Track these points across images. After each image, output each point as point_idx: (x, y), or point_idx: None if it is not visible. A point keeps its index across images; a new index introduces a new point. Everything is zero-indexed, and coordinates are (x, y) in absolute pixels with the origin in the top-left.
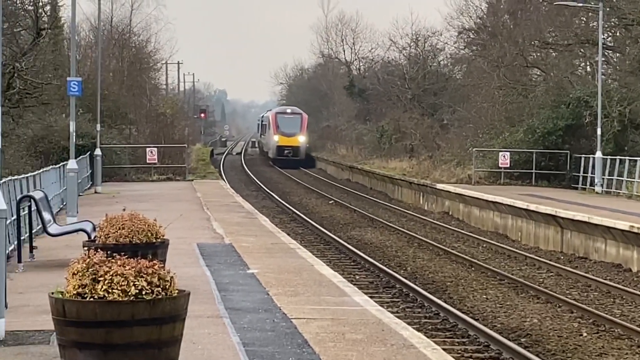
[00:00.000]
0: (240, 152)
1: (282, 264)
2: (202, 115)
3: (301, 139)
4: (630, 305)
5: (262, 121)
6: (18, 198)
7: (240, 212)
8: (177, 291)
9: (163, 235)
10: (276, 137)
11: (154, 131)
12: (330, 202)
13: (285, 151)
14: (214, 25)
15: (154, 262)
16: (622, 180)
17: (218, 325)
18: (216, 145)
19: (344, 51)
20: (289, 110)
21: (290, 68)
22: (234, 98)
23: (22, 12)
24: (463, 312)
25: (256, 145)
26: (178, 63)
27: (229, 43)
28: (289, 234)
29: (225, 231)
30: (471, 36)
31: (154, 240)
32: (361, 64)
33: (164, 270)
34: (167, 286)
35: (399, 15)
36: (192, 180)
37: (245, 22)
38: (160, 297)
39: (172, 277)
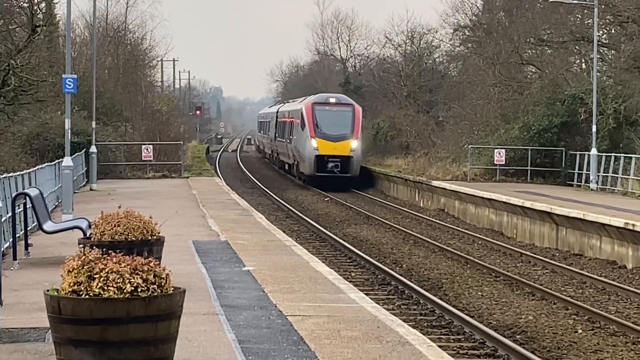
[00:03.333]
0: (236, 150)
1: (278, 261)
2: (198, 112)
3: (354, 145)
4: (625, 302)
5: (277, 117)
6: (13, 195)
7: (235, 209)
8: (172, 288)
9: (158, 233)
10: (313, 142)
11: (149, 128)
12: (326, 199)
13: (330, 164)
14: (210, 23)
15: (150, 259)
16: (617, 177)
17: (214, 323)
18: (212, 143)
19: (340, 48)
20: (332, 100)
21: (286, 65)
22: (230, 95)
23: (17, 9)
24: (458, 309)
25: (260, 147)
26: (173, 60)
27: (225, 40)
28: (284, 231)
29: (220, 228)
30: (467, 33)
31: (150, 238)
32: (357, 61)
33: (160, 267)
34: (162, 283)
35: (395, 12)
36: (188, 177)
37: (241, 19)
38: (155, 294)
39: (167, 274)
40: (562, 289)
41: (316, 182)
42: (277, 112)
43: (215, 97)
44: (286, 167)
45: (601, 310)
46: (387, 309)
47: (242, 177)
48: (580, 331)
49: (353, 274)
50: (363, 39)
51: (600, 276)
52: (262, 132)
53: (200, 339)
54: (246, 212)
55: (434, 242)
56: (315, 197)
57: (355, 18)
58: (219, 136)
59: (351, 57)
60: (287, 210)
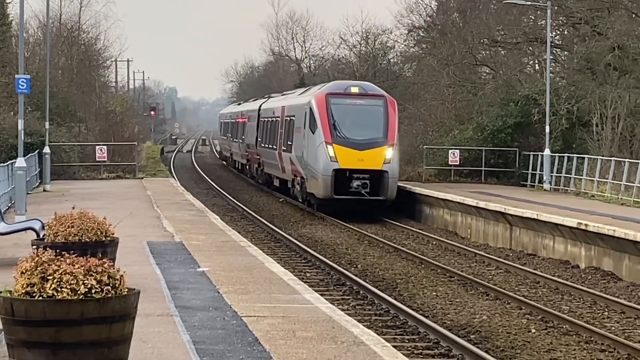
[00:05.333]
0: (191, 150)
1: (233, 262)
2: (152, 113)
3: (389, 155)
4: (578, 302)
5: (261, 116)
6: None
7: (190, 210)
8: (127, 290)
9: (113, 234)
10: (330, 151)
11: (103, 129)
12: (280, 200)
13: (355, 182)
14: (164, 23)
15: (104, 260)
16: (570, 178)
17: (168, 324)
18: (166, 143)
19: (295, 49)
20: (355, 89)
21: (241, 66)
22: (185, 96)
23: None
24: (413, 309)
25: (226, 155)
26: (128, 60)
27: (179, 41)
28: (239, 232)
29: (175, 229)
30: (421, 34)
31: (104, 239)
32: (312, 62)
33: (114, 268)
34: (116, 285)
35: (349, 13)
36: (142, 178)
37: (196, 20)
38: (109, 295)
39: (121, 275)
40: (516, 288)
41: (333, 208)
42: (261, 109)
43: (169, 98)
44: (275, 182)
45: (554, 310)
46: (342, 310)
47: (196, 178)
48: (533, 330)
49: (308, 275)
50: (318, 39)
51: (554, 276)
52: (229, 135)
53: (155, 340)
54: (201, 213)
55: (388, 242)
56: (270, 199)
57: (310, 19)
58: (173, 137)
59: (306, 57)
60: (242, 211)
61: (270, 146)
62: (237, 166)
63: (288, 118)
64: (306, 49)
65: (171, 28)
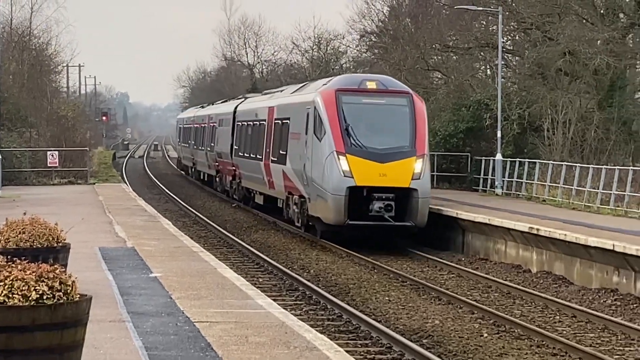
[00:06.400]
0: (143, 156)
1: (185, 268)
2: (104, 118)
3: (418, 168)
4: (529, 306)
5: (236, 119)
6: None
7: (142, 215)
8: (78, 295)
9: (64, 240)
10: (343, 163)
11: (55, 134)
12: (233, 205)
13: (376, 204)
14: (116, 28)
15: (55, 266)
16: (522, 182)
17: (120, 330)
18: (118, 149)
19: (247, 54)
20: (372, 84)
21: (193, 71)
22: (136, 101)
23: None
24: (366, 314)
25: (187, 164)
26: (79, 66)
27: (132, 46)
28: (192, 238)
29: (127, 235)
30: (373, 39)
31: (55, 245)
32: (264, 67)
33: (66, 274)
34: (68, 291)
35: (302, 18)
36: (94, 183)
37: (148, 25)
38: (61, 301)
39: (73, 281)
40: (468, 293)
41: (347, 235)
42: (237, 111)
43: (121, 103)
44: (257, 199)
45: (506, 314)
46: (295, 315)
47: (149, 184)
48: (485, 335)
49: (261, 280)
50: (270, 44)
51: (506, 280)
52: (192, 142)
53: (107, 346)
54: (153, 219)
55: (340, 247)
56: (222, 204)
57: (262, 24)
58: (125, 142)
59: (258, 63)
60: (195, 216)
61: (251, 156)
62: (202, 177)
63: (279, 121)
64: (258, 54)
65: (123, 33)
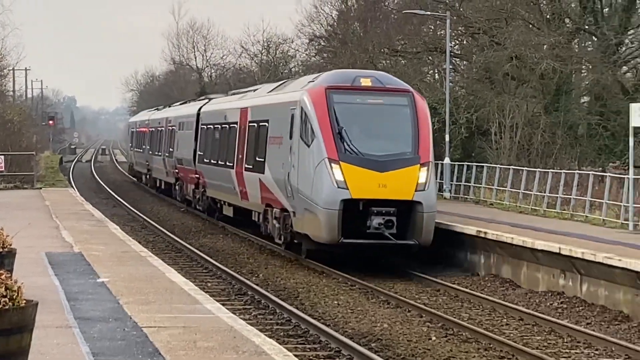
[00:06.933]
0: (90, 160)
1: (133, 272)
2: (51, 122)
3: (422, 177)
4: (477, 309)
5: (201, 121)
6: None
7: (90, 220)
8: (24, 301)
9: (10, 245)
10: (335, 171)
11: (0, 138)
12: (182, 209)
13: (375, 220)
14: (64, 32)
15: (1, 272)
16: (470, 186)
17: (67, 336)
18: (65, 153)
19: (195, 58)
20: (367, 81)
21: (141, 75)
22: (84, 105)
23: None
24: (314, 318)
25: (140, 171)
26: (25, 69)
27: (79, 49)
28: (140, 242)
29: (74, 240)
30: (322, 43)
31: (1, 250)
32: (213, 71)
33: (11, 280)
34: (14, 296)
35: (251, 22)
36: (41, 188)
37: (96, 29)
38: (7, 307)
39: (19, 287)
40: (417, 296)
41: (340, 255)
42: (201, 113)
43: (68, 107)
44: (226, 211)
45: (454, 317)
46: (244, 319)
47: (96, 188)
48: (434, 338)
49: (209, 285)
50: (219, 48)
51: (454, 284)
52: (146, 148)
53: (54, 352)
54: (101, 223)
55: (289, 252)
56: (171, 208)
57: (211, 28)
58: (72, 146)
59: (207, 66)
60: (143, 221)
61: (219, 162)
62: (158, 185)
63: (254, 124)
64: (207, 58)
65: (71, 38)
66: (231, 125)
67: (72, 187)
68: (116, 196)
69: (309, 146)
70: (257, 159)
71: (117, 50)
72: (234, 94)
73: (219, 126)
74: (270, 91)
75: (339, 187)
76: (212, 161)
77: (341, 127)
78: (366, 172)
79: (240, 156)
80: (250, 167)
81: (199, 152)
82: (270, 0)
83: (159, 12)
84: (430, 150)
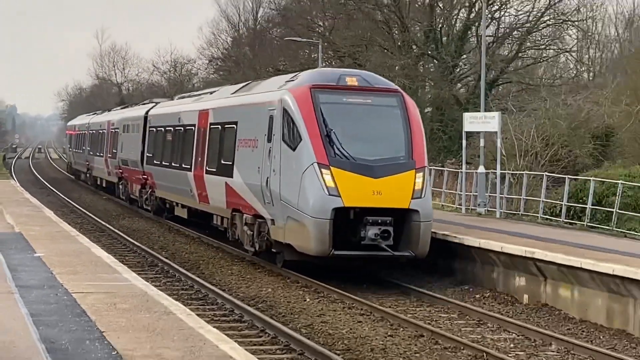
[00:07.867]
0: (29, 157)
1: (64, 249)
2: None
3: (419, 184)
4: (344, 276)
5: (148, 123)
6: None
7: (28, 206)
8: None
9: None
10: (325, 177)
11: None
12: (104, 197)
13: (370, 230)
14: (5, 46)
15: None
16: None
17: (9, 300)
18: (7, 152)
19: (116, 74)
20: (353, 80)
21: (71, 87)
22: (24, 112)
23: None
24: (212, 285)
25: (81, 170)
26: None
27: (19, 63)
28: (70, 224)
29: (15, 222)
30: (219, 64)
31: None
32: (130, 85)
33: None
34: None
35: (161, 45)
36: None
37: (34, 46)
38: None
39: None
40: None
41: (329, 268)
42: (150, 116)
43: (11, 114)
44: (179, 212)
45: (325, 283)
46: (155, 286)
47: (34, 180)
48: (308, 300)
49: (127, 258)
50: (135, 67)
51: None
52: (86, 149)
53: None
54: (37, 209)
55: (193, 232)
56: (95, 197)
57: (128, 50)
58: (14, 146)
59: (125, 81)
60: (72, 206)
61: (173, 165)
62: (99, 183)
63: (218, 127)
64: (125, 74)
65: (13, 51)
66: (187, 127)
67: (14, 179)
68: (50, 187)
69: (294, 150)
70: (223, 162)
71: (52, 64)
72: (183, 97)
73: (172, 128)
74: (235, 92)
75: (330, 195)
76: (163, 163)
77: (330, 129)
78: (359, 178)
79: (199, 159)
80: (214, 170)
81: (148, 154)
82: (177, 27)
83: (85, 35)
84: (424, 154)
